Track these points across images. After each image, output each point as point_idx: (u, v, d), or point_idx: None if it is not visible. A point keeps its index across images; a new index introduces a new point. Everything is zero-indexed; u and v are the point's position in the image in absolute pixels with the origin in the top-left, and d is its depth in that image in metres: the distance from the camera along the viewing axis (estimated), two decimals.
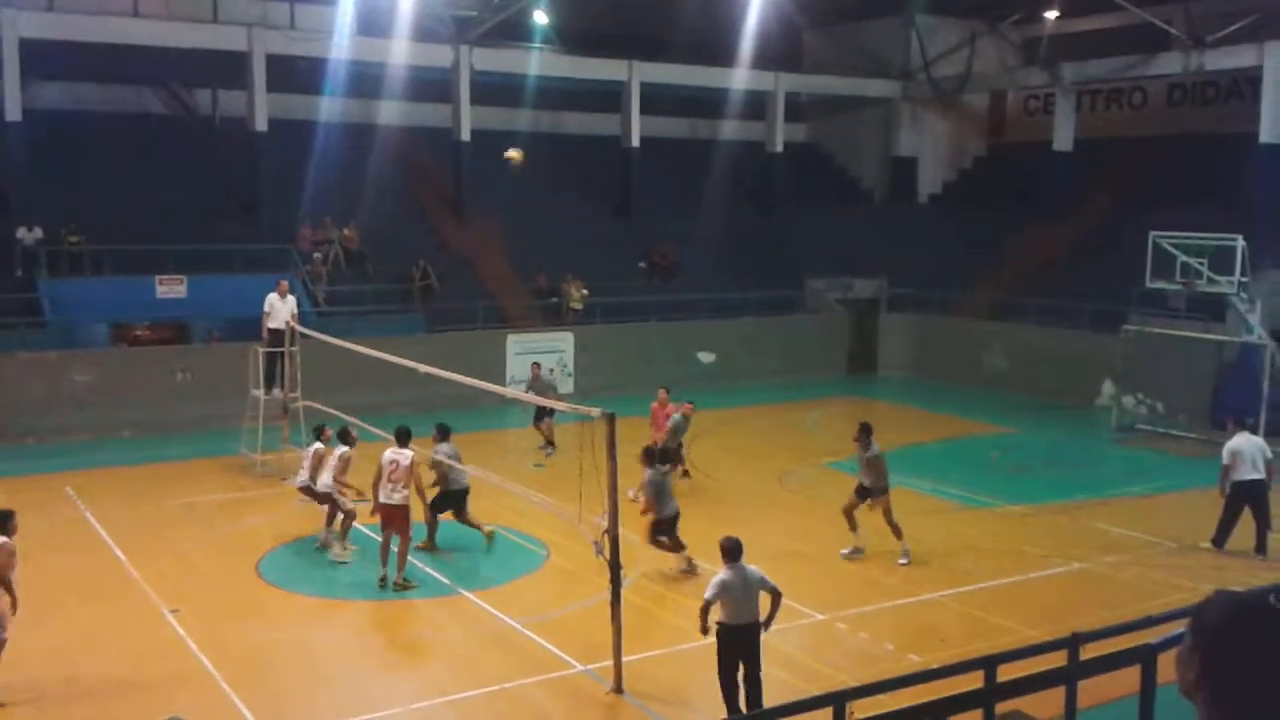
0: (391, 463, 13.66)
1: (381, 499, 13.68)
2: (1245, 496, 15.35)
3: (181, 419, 22.53)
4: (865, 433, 15.28)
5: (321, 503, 15.35)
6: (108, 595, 13.53)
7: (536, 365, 22.96)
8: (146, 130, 28.71)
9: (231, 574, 14.36)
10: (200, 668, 11.42)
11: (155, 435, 22.07)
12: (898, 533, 15.00)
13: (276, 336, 19.81)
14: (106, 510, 17.04)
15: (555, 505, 13.99)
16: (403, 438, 14.00)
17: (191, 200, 27.35)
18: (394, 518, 13.62)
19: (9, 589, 10.36)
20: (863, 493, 15.23)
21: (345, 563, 14.70)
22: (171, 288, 24.54)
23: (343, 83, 29.60)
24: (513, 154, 17.42)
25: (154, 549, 15.28)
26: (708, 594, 9.88)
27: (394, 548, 13.72)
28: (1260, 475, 15.28)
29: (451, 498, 15.23)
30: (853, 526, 15.23)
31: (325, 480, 14.99)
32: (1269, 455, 15.55)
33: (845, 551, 15.22)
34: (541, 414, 20.64)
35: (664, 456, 15.24)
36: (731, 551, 10.02)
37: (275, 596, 13.67)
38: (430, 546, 15.19)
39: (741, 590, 9.81)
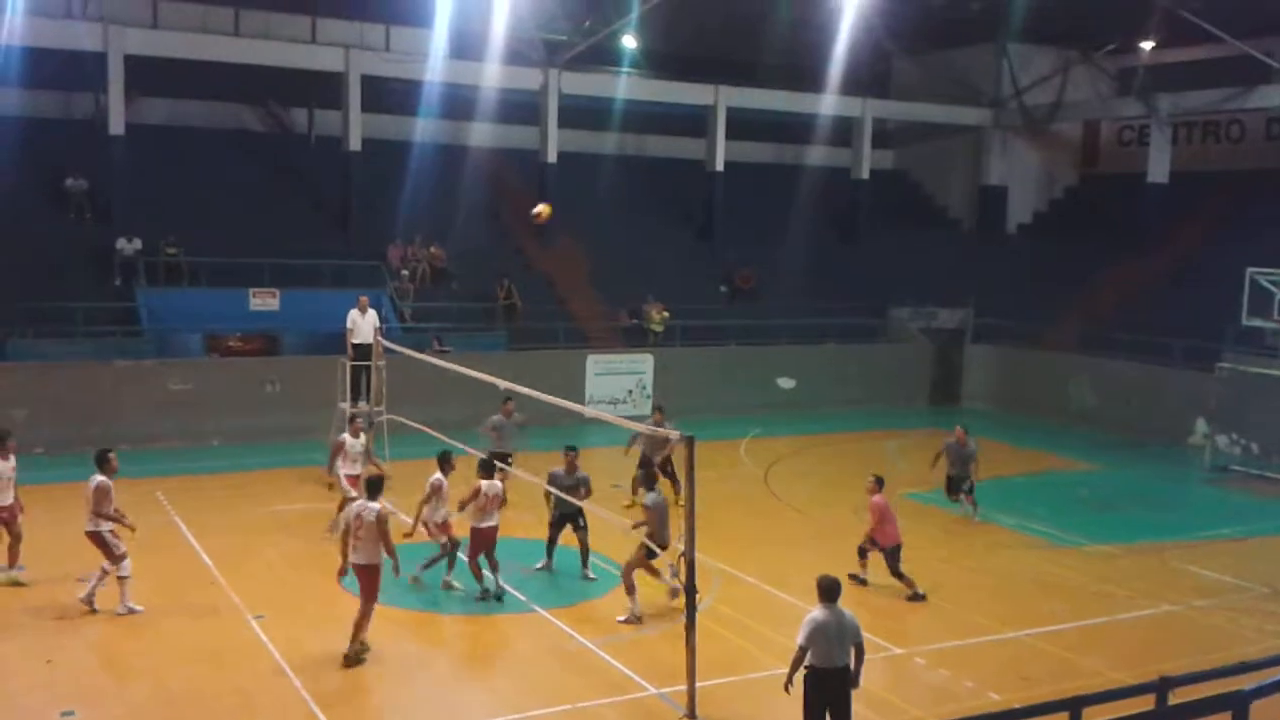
0: (356, 518, 12.16)
1: (350, 558, 12.25)
2: None
3: (270, 429, 23.04)
4: (645, 480, 14.68)
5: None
6: (194, 599, 13.84)
7: (509, 402, 18.37)
8: (244, 147, 29.57)
9: (314, 583, 14.59)
10: (282, 674, 11.62)
11: (244, 444, 22.61)
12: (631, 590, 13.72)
13: (361, 351, 20.20)
14: (195, 515, 17.46)
15: (630, 527, 14.02)
16: (373, 488, 12.33)
17: (286, 216, 28.08)
18: (359, 578, 12.25)
19: (118, 518, 12.52)
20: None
21: (454, 589, 14.46)
22: (265, 300, 25.16)
23: (434, 104, 30.21)
24: (541, 209, 17.53)
25: (240, 555, 15.61)
26: (801, 638, 9.31)
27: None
28: None
29: (562, 519, 15.07)
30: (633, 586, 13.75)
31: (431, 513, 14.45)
32: None
33: (620, 617, 13.63)
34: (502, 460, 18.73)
35: (645, 479, 14.87)
36: (829, 591, 9.50)
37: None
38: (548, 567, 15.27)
39: (836, 632, 9.35)
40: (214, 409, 23.06)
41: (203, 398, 23.04)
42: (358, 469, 16.08)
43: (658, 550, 13.52)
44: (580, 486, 15.08)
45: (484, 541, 13.98)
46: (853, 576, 14.88)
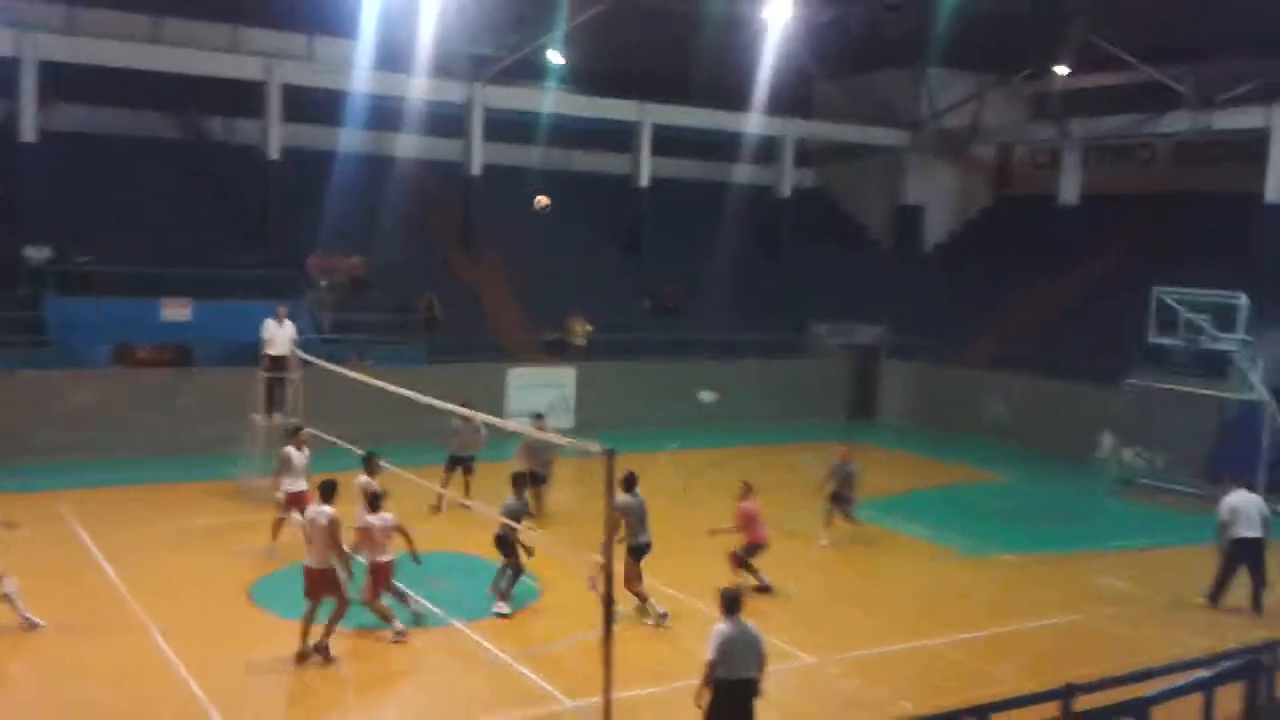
0: (309, 522, 12.35)
1: (304, 561, 12.40)
2: (1242, 554, 15.31)
3: (181, 442, 22.55)
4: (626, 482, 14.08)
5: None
6: (98, 615, 13.50)
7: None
8: (161, 154, 28.98)
9: (224, 598, 14.32)
10: (188, 691, 11.37)
11: (154, 457, 22.09)
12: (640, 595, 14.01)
13: (277, 363, 19.90)
14: (101, 530, 17.03)
15: (550, 539, 14.01)
16: (326, 492, 12.46)
17: (202, 226, 27.56)
18: (315, 583, 12.25)
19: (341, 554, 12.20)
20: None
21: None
22: (176, 311, 24.61)
23: (358, 115, 29.89)
24: (541, 200, 17.68)
25: (147, 570, 15.26)
26: (711, 653, 9.33)
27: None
28: (1258, 533, 15.25)
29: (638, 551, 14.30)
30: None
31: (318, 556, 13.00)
32: (1267, 513, 15.53)
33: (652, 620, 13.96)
34: (456, 463, 19.56)
35: (520, 480, 14.85)
36: (733, 604, 9.61)
37: (267, 622, 13.62)
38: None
39: (742, 644, 9.46)
40: (123, 421, 22.50)
41: (111, 410, 22.48)
42: (302, 484, 15.70)
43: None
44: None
45: (384, 577, 13.27)
46: (757, 588, 15.03)
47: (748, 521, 15.28)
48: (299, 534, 13.31)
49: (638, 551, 14.01)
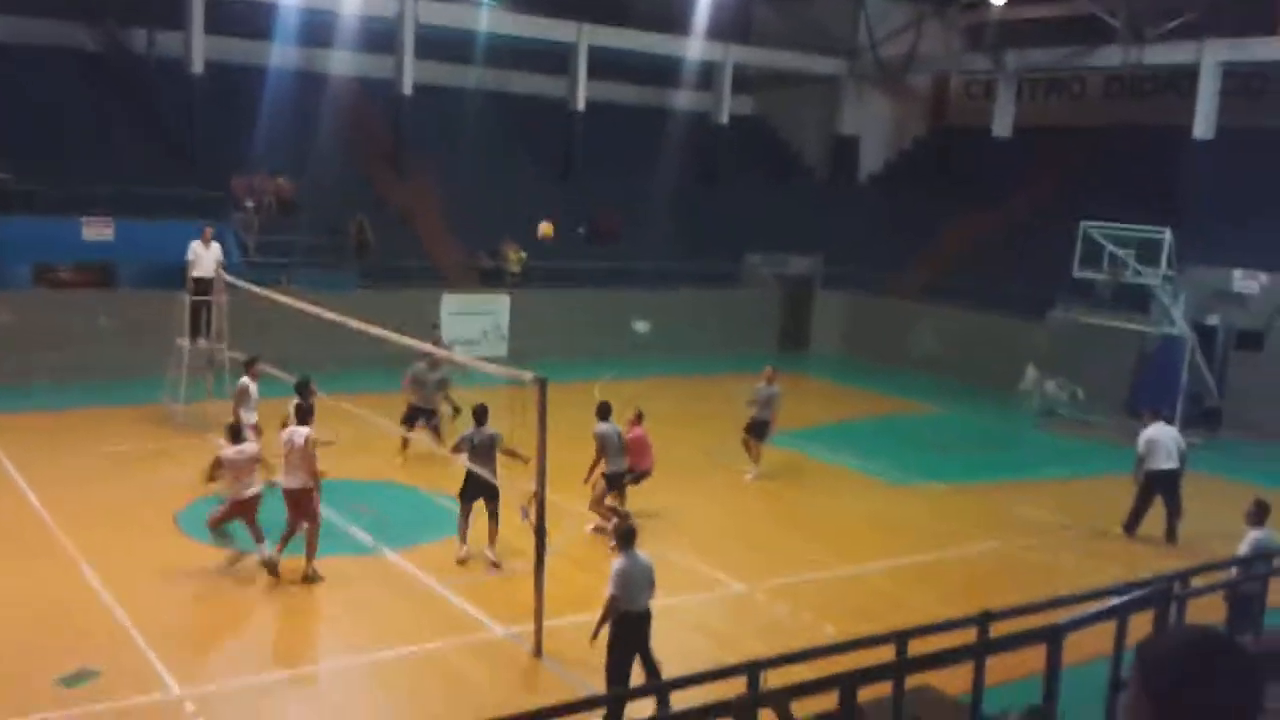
0: (287, 443, 12.59)
1: (283, 482, 12.67)
2: (1158, 485, 15.79)
3: (104, 366, 22.04)
4: (600, 411, 14.83)
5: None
6: (22, 544, 13.27)
7: (434, 326, 22.00)
8: (79, 68, 27.86)
9: (150, 526, 14.14)
10: (114, 619, 11.26)
11: (76, 381, 21.60)
12: (604, 515, 14.48)
13: (202, 285, 19.48)
14: (23, 457, 16.67)
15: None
16: (302, 414, 12.77)
17: (124, 142, 26.67)
18: (292, 503, 12.55)
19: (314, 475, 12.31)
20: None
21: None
22: (98, 230, 23.90)
23: (286, 28, 28.94)
24: (545, 228, 17.53)
25: (71, 498, 14.99)
26: (613, 588, 9.54)
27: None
28: (1174, 465, 15.72)
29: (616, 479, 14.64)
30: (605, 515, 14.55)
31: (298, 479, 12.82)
32: (1183, 445, 16.01)
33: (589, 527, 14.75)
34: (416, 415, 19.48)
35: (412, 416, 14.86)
36: (629, 537, 9.84)
37: (193, 550, 13.48)
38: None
39: (639, 577, 9.67)
40: (43, 344, 21.89)
41: (30, 332, 21.85)
42: (254, 416, 15.28)
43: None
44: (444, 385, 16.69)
45: (289, 506, 12.81)
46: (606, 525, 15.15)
47: (638, 448, 15.36)
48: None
49: (613, 480, 14.32)
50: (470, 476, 13.26)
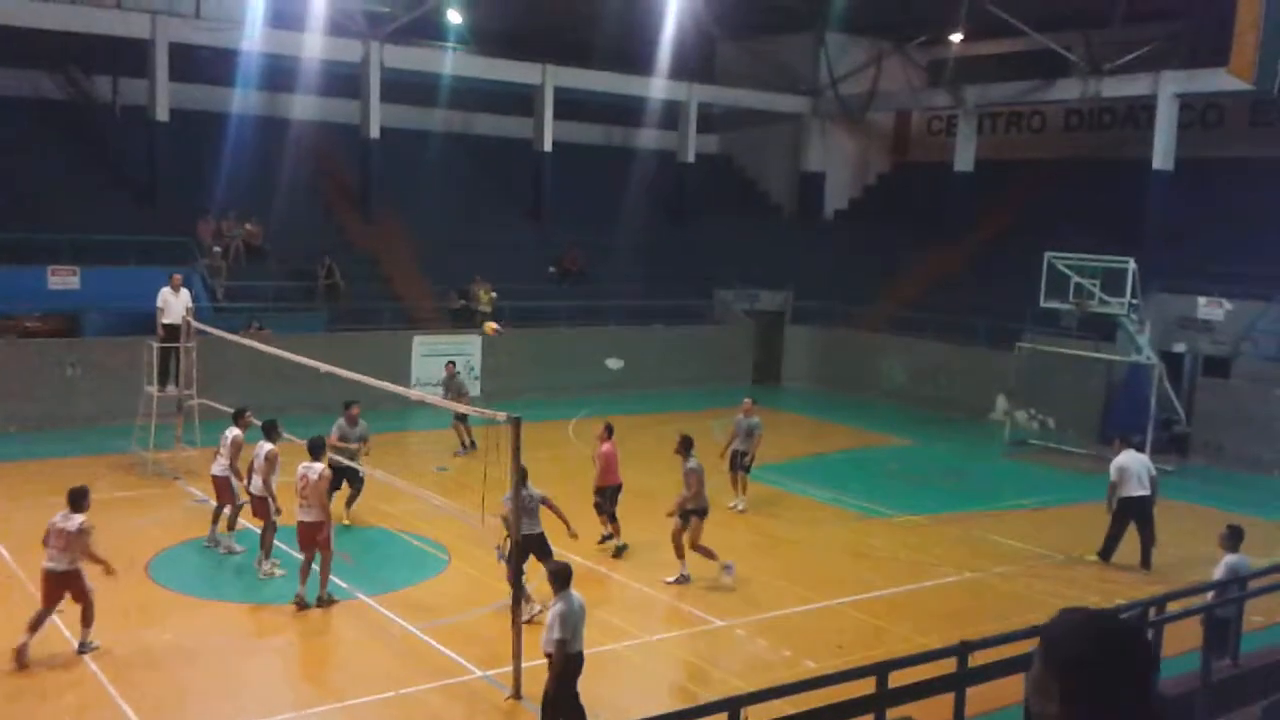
0: (301, 478, 13.03)
1: (297, 516, 13.09)
2: (1131, 512, 15.90)
3: (71, 415, 21.85)
4: (685, 445, 14.80)
5: (224, 500, 14.87)
6: None
7: (451, 364, 22.90)
8: (43, 116, 27.81)
9: (120, 574, 13.89)
10: (85, 670, 11.08)
11: (44, 430, 21.36)
12: (709, 554, 14.36)
13: (171, 332, 19.33)
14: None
15: (458, 509, 13.91)
16: (315, 450, 13.35)
17: (88, 189, 26.62)
18: (305, 536, 13.00)
19: (95, 559, 11.49)
20: (685, 514, 14.41)
21: (275, 576, 13.94)
22: (64, 279, 23.73)
23: (250, 75, 28.98)
24: (490, 327, 17.43)
25: (40, 548, 14.72)
26: (560, 632, 9.41)
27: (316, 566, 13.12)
28: (1145, 491, 15.85)
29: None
30: (679, 554, 14.43)
31: (257, 484, 14.02)
32: (1154, 472, 16.16)
33: (670, 579, 14.40)
34: (460, 416, 20.62)
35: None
36: (565, 578, 9.73)
37: (164, 598, 13.33)
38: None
39: (579, 616, 9.63)
40: (10, 394, 21.68)
41: None
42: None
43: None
44: (364, 439, 16.04)
45: (302, 538, 13.23)
46: (618, 549, 15.45)
47: (608, 464, 15.47)
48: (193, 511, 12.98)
49: (702, 514, 14.24)
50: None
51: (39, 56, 28.01)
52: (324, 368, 15.14)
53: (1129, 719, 2.35)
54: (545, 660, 9.69)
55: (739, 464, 18.31)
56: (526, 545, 12.43)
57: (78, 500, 11.67)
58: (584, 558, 15.15)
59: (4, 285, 23.15)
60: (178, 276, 20.02)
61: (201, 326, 19.39)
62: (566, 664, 9.48)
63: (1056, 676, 2.36)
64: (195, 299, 21.17)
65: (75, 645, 11.51)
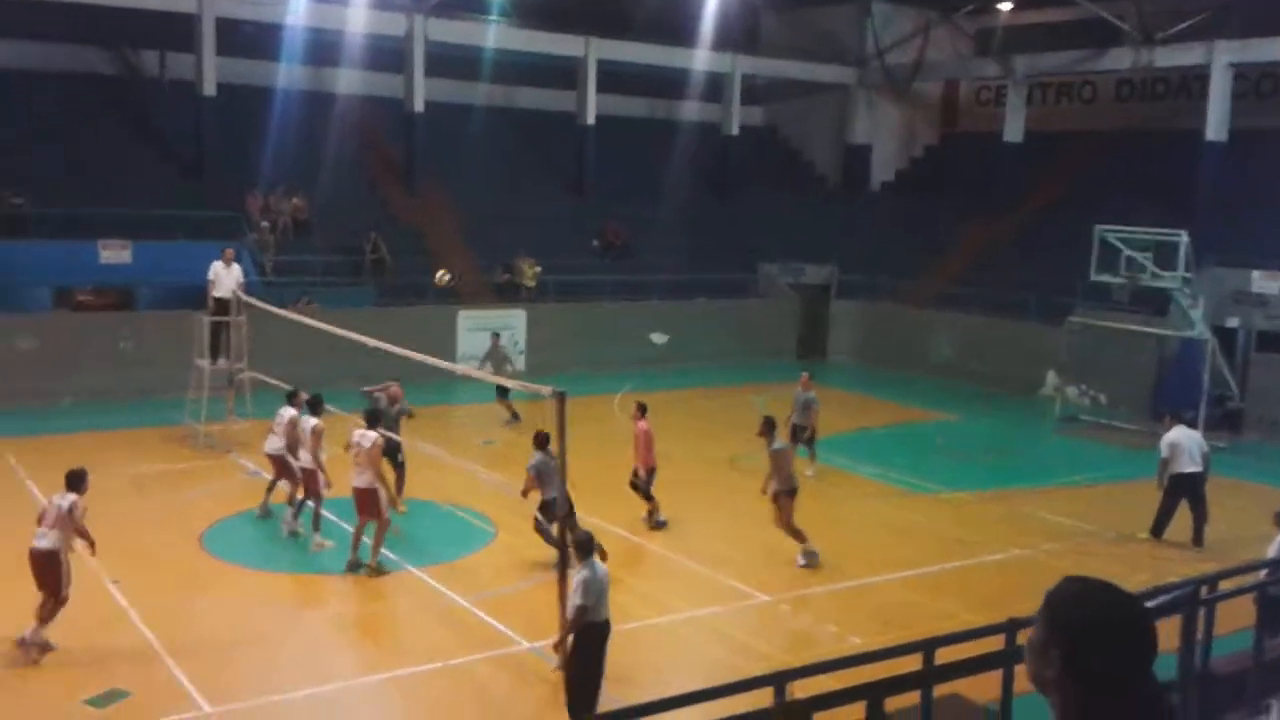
0: (355, 445, 13.36)
1: (352, 482, 13.41)
2: (1182, 488, 15.70)
3: (125, 387, 22.19)
4: (769, 427, 14.63)
5: (283, 477, 15.01)
6: None
7: (496, 336, 23.14)
8: (92, 91, 28.13)
9: (174, 546, 14.20)
10: (142, 639, 11.31)
11: (98, 403, 21.72)
12: (799, 536, 14.36)
13: (222, 305, 19.55)
14: (47, 479, 16.60)
15: (504, 482, 14.02)
16: (370, 418, 13.82)
17: (137, 164, 26.90)
18: (360, 502, 13.30)
19: (85, 537, 11.19)
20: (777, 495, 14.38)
21: (325, 549, 14.11)
22: (116, 253, 24.08)
23: (296, 49, 29.15)
24: (443, 275, 17.27)
25: (96, 519, 14.92)
26: (580, 598, 9.49)
27: (366, 538, 13.37)
28: (1197, 468, 15.63)
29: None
30: (798, 537, 14.35)
31: (305, 457, 14.24)
32: (1205, 449, 15.93)
33: (801, 561, 14.37)
34: (501, 389, 20.81)
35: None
36: (587, 547, 9.80)
37: (218, 569, 13.56)
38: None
39: (601, 586, 9.67)
40: (64, 367, 22.07)
41: (52, 355, 22.02)
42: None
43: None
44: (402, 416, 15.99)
45: (357, 504, 13.53)
46: (657, 524, 15.45)
47: (646, 443, 15.48)
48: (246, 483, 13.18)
49: (791, 493, 14.19)
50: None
51: (88, 32, 28.29)
52: (371, 342, 15.27)
53: (1126, 690, 2.36)
54: None
55: (799, 437, 18.53)
56: (551, 508, 12.91)
57: (75, 482, 11.38)
58: (629, 531, 15.24)
59: (57, 260, 23.53)
60: (230, 251, 20.22)
61: (249, 299, 19.59)
62: (581, 634, 9.55)
63: (1058, 642, 2.38)
64: (246, 274, 21.40)
65: (27, 632, 10.70)
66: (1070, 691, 2.39)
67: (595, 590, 9.57)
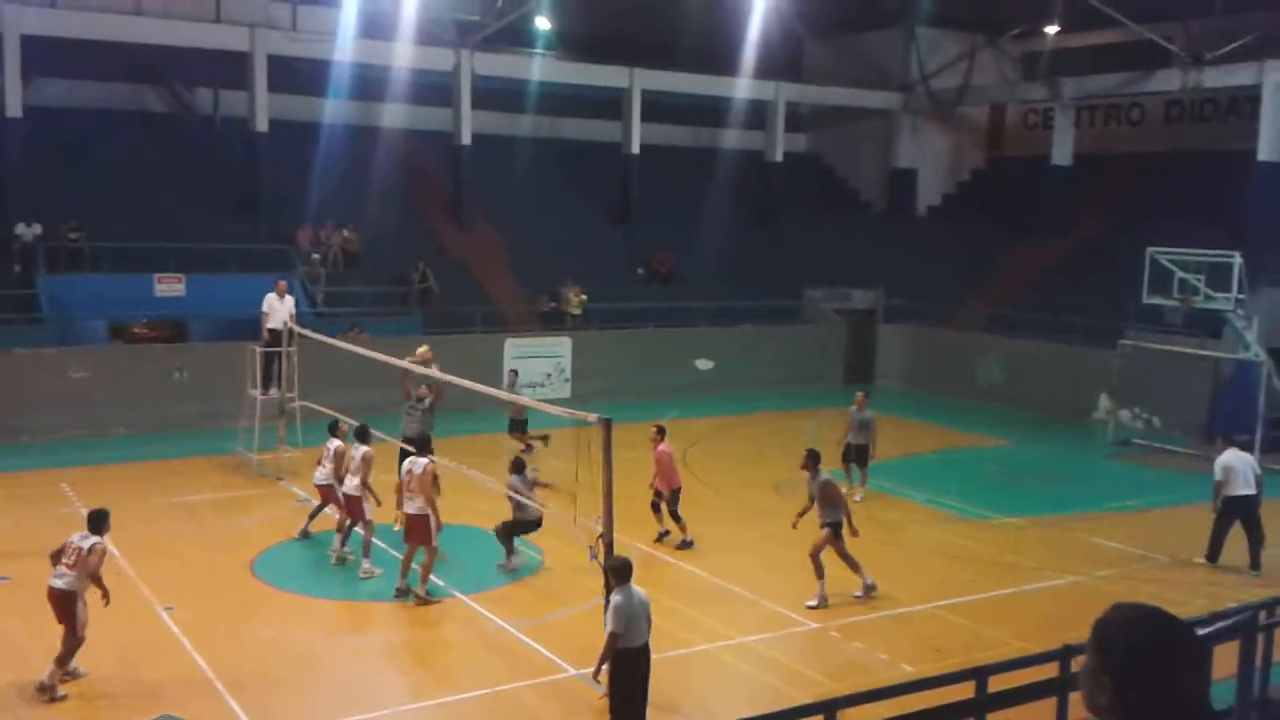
0: (406, 473, 13.65)
1: (405, 509, 13.68)
2: (1237, 511, 15.41)
3: (178, 417, 22.54)
4: (813, 460, 14.16)
5: (331, 503, 15.19)
6: None
7: (514, 373, 23.45)
8: (147, 129, 28.79)
9: (225, 572, 14.36)
10: (193, 665, 11.43)
11: (151, 433, 22.08)
12: (854, 566, 13.99)
13: (275, 336, 19.84)
14: (101, 506, 16.99)
15: (550, 510, 14.05)
16: (421, 446, 14.13)
17: (191, 199, 27.43)
18: (412, 528, 13.53)
19: (100, 585, 10.95)
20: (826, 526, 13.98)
21: (374, 576, 14.21)
22: (170, 286, 24.57)
23: (345, 85, 29.69)
24: (421, 351, 17.37)
25: (149, 546, 15.27)
26: (614, 625, 9.48)
27: (415, 565, 13.51)
28: (1252, 491, 15.35)
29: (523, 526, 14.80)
30: (853, 568, 14.02)
31: (353, 483, 14.40)
32: (1259, 471, 15.63)
33: (857, 594, 13.98)
34: (514, 424, 21.29)
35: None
36: (624, 572, 9.76)
37: (268, 595, 13.69)
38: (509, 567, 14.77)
39: (637, 611, 9.64)
40: (119, 397, 22.47)
41: (107, 386, 22.44)
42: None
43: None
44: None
45: (407, 530, 13.78)
46: (683, 544, 15.56)
47: (666, 465, 15.57)
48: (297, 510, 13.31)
49: (838, 526, 13.89)
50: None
51: (144, 72, 29.01)
52: (418, 370, 15.46)
53: (1180, 716, 2.34)
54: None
55: (851, 456, 18.73)
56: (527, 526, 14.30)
57: (97, 522, 11.25)
58: (673, 556, 15.20)
59: (113, 293, 24.06)
60: (283, 283, 20.54)
61: (300, 330, 19.86)
62: (616, 660, 9.53)
63: (1109, 668, 2.36)
64: (298, 305, 21.72)
65: (44, 675, 10.58)
66: (1124, 719, 2.35)
67: (626, 615, 9.53)
